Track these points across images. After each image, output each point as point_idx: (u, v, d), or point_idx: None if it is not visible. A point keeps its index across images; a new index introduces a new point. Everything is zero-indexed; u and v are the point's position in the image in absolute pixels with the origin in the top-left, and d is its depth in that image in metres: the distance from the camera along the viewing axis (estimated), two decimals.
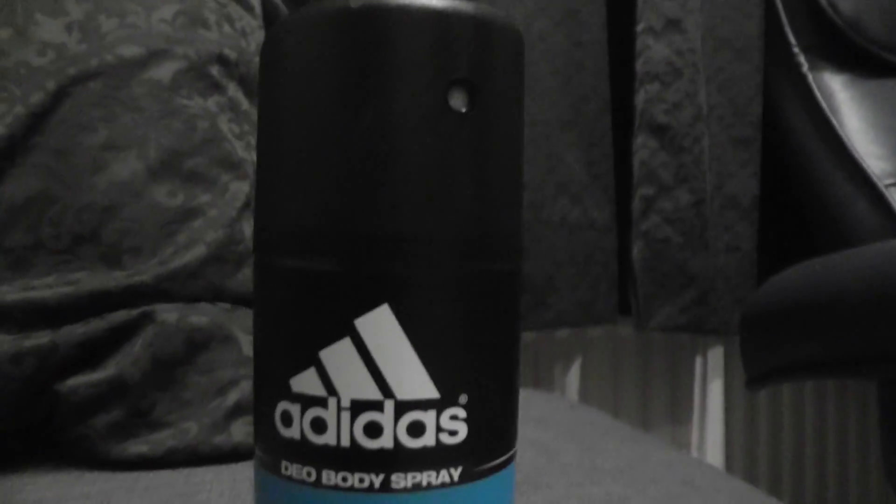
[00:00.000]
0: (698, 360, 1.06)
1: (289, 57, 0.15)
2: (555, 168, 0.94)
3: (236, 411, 0.45)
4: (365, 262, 0.14)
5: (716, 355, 1.06)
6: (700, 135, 0.95)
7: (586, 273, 0.95)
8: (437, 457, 0.15)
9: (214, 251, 0.48)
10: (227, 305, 0.48)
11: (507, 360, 0.16)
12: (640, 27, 0.95)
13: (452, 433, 0.15)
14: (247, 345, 0.48)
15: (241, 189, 0.52)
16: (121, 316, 0.43)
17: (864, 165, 0.84)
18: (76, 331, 0.42)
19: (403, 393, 0.14)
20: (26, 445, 0.45)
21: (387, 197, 0.14)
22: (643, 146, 0.94)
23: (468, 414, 0.15)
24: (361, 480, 0.14)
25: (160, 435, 0.43)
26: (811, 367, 0.67)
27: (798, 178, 0.93)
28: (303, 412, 0.15)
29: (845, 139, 0.87)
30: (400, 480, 0.14)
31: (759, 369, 0.78)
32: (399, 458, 0.14)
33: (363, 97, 0.14)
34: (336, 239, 0.14)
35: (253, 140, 0.57)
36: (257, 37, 0.61)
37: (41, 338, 0.41)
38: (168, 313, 0.44)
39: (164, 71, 0.50)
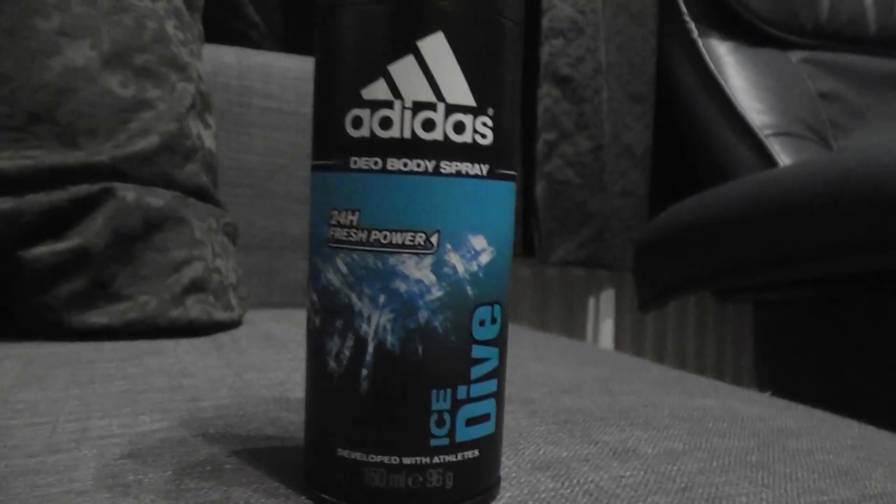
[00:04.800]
0: (591, 300, 1.15)
1: None
2: None
3: (191, 288, 0.48)
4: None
5: (608, 296, 1.15)
6: (599, 87, 1.03)
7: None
8: (473, 152, 0.19)
9: (166, 141, 0.50)
10: (179, 194, 0.50)
11: (515, 93, 0.20)
12: None
13: (483, 136, 0.20)
14: (199, 230, 0.50)
15: (188, 90, 0.54)
16: (83, 189, 0.45)
17: (748, 118, 0.94)
18: (39, 199, 0.43)
19: (452, 98, 0.19)
20: None
21: None
22: (547, 95, 1.01)
23: (493, 123, 0.20)
24: (419, 165, 0.19)
25: (120, 307, 0.45)
26: (700, 279, 0.76)
27: (687, 131, 1.02)
28: (372, 114, 0.19)
29: (731, 96, 0.97)
30: (447, 167, 0.19)
31: (651, 290, 0.87)
32: (447, 149, 0.19)
33: None
34: None
35: (196, 50, 0.59)
36: None
37: (5, 203, 0.42)
38: (127, 192, 0.46)
39: None
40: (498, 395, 0.22)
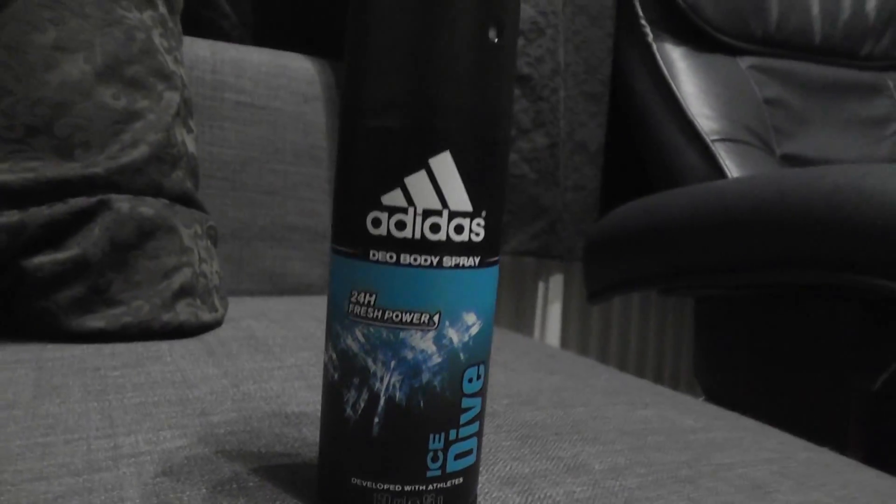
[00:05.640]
0: (541, 285, 1.21)
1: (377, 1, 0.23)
2: None
3: (181, 293, 0.52)
4: (436, 125, 0.23)
5: (557, 282, 1.21)
6: (557, 87, 1.08)
7: None
8: (469, 248, 0.24)
9: (155, 151, 0.53)
10: (167, 201, 0.53)
11: (504, 196, 0.25)
12: None
13: (477, 234, 0.24)
14: (187, 236, 0.54)
15: (174, 98, 0.57)
16: (81, 202, 0.47)
17: (696, 123, 1.00)
18: (42, 212, 0.46)
19: (454, 206, 0.23)
20: None
21: (452, 85, 0.23)
22: None
23: (485, 223, 0.24)
24: (426, 260, 0.23)
25: (116, 311, 0.49)
26: (644, 280, 0.82)
27: (639, 131, 1.08)
28: (390, 217, 0.23)
29: (681, 100, 1.03)
30: (448, 261, 0.24)
31: (598, 285, 0.94)
32: (449, 247, 0.24)
33: (436, 27, 0.22)
34: (420, 108, 0.23)
35: (179, 56, 0.61)
36: None
37: (11, 216, 0.45)
38: (122, 202, 0.49)
39: None
40: (479, 433, 0.26)
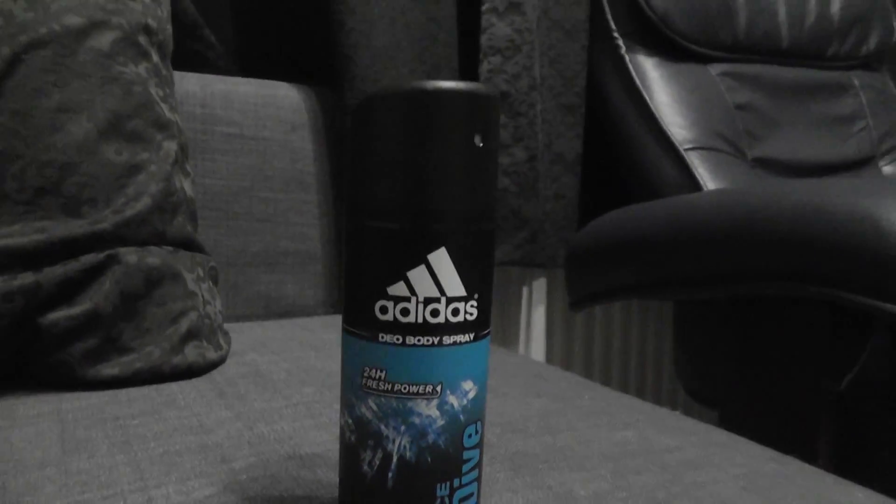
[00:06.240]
0: (525, 290, 1.25)
1: (377, 112, 0.26)
2: None
3: (188, 336, 0.55)
4: (433, 226, 0.26)
5: (540, 285, 1.25)
6: (534, 101, 1.11)
7: None
8: (464, 327, 0.27)
9: (157, 202, 0.56)
10: (171, 248, 0.56)
11: (492, 277, 0.28)
12: (485, 7, 1.08)
13: (471, 314, 0.28)
14: (190, 281, 0.57)
15: (172, 147, 0.60)
16: (92, 258, 0.50)
17: (669, 133, 1.04)
18: (56, 271, 0.49)
19: (450, 292, 0.27)
20: (2, 373, 0.51)
21: (443, 190, 0.26)
22: None
23: (478, 304, 0.28)
24: (428, 340, 0.27)
25: (128, 358, 0.52)
26: (623, 290, 0.86)
27: (615, 141, 1.12)
28: (395, 305, 0.27)
29: (654, 110, 1.07)
30: (447, 339, 0.27)
31: (580, 294, 0.98)
32: (447, 327, 0.27)
33: (428, 139, 0.26)
34: (419, 212, 0.26)
35: (174, 102, 0.64)
36: (166, 5, 0.67)
37: (27, 278, 0.48)
38: (129, 255, 0.52)
39: (104, 40, 0.56)
40: (479, 478, 0.30)
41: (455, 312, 0.27)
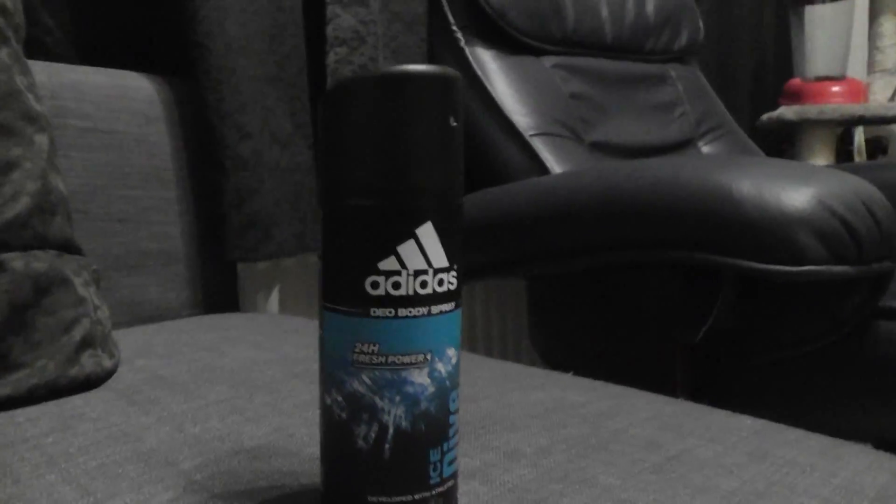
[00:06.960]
0: None
1: (360, 97, 0.27)
2: (268, 119, 1.04)
3: (83, 345, 0.51)
4: (420, 201, 0.28)
5: None
6: None
7: (297, 209, 1.09)
8: (448, 296, 0.29)
9: (36, 201, 0.52)
10: (55, 252, 0.52)
11: (462, 250, 0.31)
12: None
13: (452, 284, 0.29)
14: (79, 286, 0.53)
15: (43, 141, 0.55)
16: None
17: (513, 120, 1.11)
18: None
19: (436, 264, 0.28)
20: None
21: (427, 168, 0.28)
22: None
23: (457, 275, 0.30)
24: (419, 311, 0.28)
25: (19, 375, 0.48)
26: (483, 270, 0.91)
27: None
28: (386, 280, 0.28)
29: (497, 100, 1.13)
30: (435, 309, 0.29)
31: None
32: (434, 298, 0.29)
33: (412, 121, 0.27)
34: (406, 191, 0.28)
35: (38, 92, 0.59)
36: None
37: None
38: (15, 261, 0.48)
39: None
40: (458, 443, 0.32)
41: (440, 283, 0.29)
